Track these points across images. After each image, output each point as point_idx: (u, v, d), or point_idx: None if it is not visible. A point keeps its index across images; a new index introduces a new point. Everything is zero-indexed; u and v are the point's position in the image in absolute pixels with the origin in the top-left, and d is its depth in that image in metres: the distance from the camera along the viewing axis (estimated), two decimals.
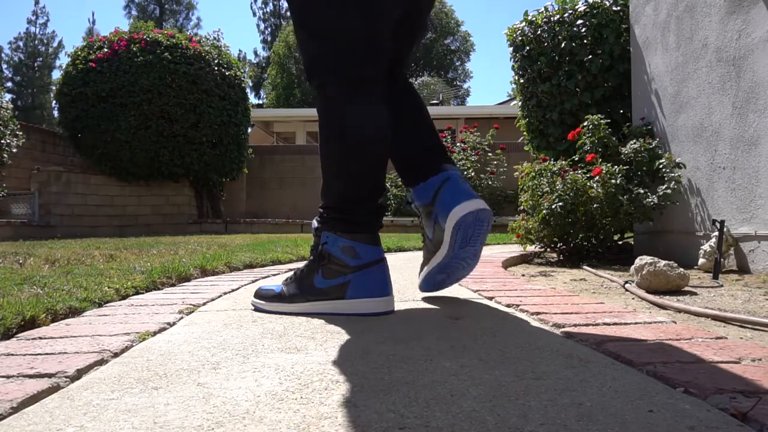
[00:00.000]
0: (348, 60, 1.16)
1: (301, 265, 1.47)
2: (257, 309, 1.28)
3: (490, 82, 60.60)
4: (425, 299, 1.44)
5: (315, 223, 1.27)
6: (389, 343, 0.92)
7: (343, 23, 1.14)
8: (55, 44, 32.59)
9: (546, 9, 3.75)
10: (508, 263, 2.75)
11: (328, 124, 1.22)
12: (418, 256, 3.38)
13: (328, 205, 1.26)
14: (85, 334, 1.01)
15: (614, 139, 3.03)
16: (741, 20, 2.27)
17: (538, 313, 1.16)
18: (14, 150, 6.76)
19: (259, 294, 1.30)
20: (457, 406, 0.60)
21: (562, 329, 1.01)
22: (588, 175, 2.80)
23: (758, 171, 2.19)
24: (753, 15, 2.20)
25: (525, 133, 4.02)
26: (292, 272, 1.30)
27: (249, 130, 9.00)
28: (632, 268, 1.79)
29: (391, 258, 3.19)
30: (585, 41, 3.46)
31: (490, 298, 1.42)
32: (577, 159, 3.07)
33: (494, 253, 3.38)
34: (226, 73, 7.84)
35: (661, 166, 2.75)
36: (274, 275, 2.19)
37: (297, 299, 1.23)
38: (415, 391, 0.66)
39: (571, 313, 1.16)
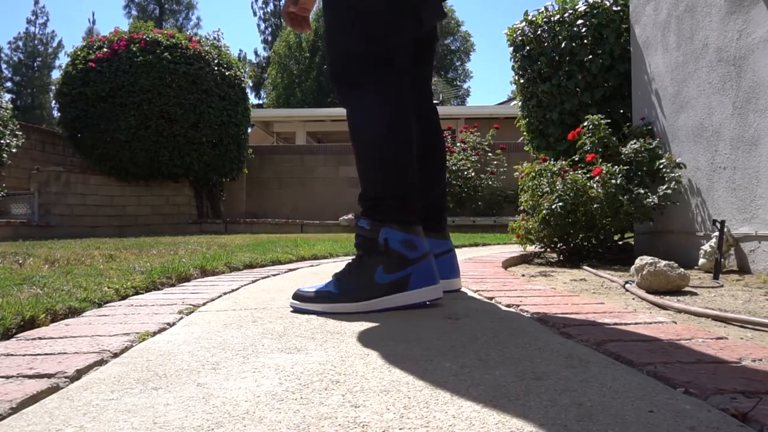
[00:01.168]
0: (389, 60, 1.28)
1: (341, 263, 1.52)
2: (304, 311, 1.23)
3: (490, 82, 60.61)
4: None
5: (363, 221, 1.27)
6: (389, 343, 0.92)
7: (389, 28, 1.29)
8: (54, 44, 32.61)
9: (546, 9, 3.75)
10: (509, 263, 2.75)
11: (385, 112, 1.27)
12: None
13: (381, 198, 1.26)
14: (84, 335, 1.01)
15: (614, 139, 3.03)
16: (741, 20, 2.27)
17: (538, 313, 1.16)
18: (14, 150, 6.76)
19: (302, 296, 1.26)
20: (457, 407, 0.59)
21: (562, 329, 1.01)
22: (588, 175, 2.80)
23: (759, 171, 2.18)
24: (753, 15, 2.20)
25: (525, 133, 4.02)
26: (337, 273, 1.28)
27: (249, 130, 9.01)
28: (632, 268, 1.79)
29: None
30: (585, 41, 3.46)
31: (491, 299, 1.42)
32: (577, 159, 3.07)
33: (494, 253, 3.38)
34: (226, 73, 7.84)
35: (661, 166, 2.75)
36: (274, 275, 2.19)
37: (359, 296, 1.21)
38: (415, 391, 0.65)
39: (572, 313, 1.16)
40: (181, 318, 1.21)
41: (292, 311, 1.25)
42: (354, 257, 1.29)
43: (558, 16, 3.63)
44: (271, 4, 33.18)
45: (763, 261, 2.16)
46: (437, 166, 1.56)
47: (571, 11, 3.59)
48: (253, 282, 1.93)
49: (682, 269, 1.72)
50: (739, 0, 2.28)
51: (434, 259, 1.30)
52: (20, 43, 32.18)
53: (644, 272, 1.70)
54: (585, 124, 3.07)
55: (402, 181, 1.28)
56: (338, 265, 2.75)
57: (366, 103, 1.29)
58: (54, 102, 8.10)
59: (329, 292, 1.23)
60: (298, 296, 1.26)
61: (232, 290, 1.69)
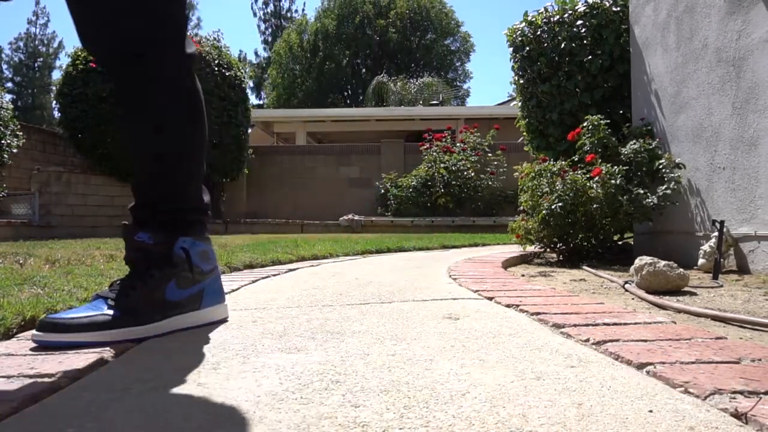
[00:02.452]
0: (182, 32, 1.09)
1: (341, 263, 1.30)
2: (66, 345, 0.89)
3: (490, 83, 60.64)
4: (425, 300, 1.44)
5: (143, 234, 1.04)
6: (389, 343, 0.92)
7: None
8: (55, 45, 32.65)
9: (546, 9, 3.75)
10: (508, 263, 2.75)
11: (195, 100, 1.13)
12: (418, 256, 3.39)
13: (182, 205, 1.12)
14: None
15: (614, 139, 3.03)
16: (741, 21, 2.27)
17: (538, 314, 1.16)
18: (14, 150, 6.76)
19: (64, 324, 0.92)
20: (457, 407, 0.60)
21: (562, 329, 1.01)
22: (588, 176, 2.80)
23: (758, 171, 2.19)
24: (753, 15, 2.21)
25: (525, 133, 4.02)
26: (108, 291, 1.01)
27: (249, 130, 9.01)
28: (632, 268, 1.79)
29: (390, 258, 3.19)
30: (585, 42, 3.46)
31: (490, 299, 1.42)
32: (576, 159, 3.07)
33: (494, 253, 3.38)
34: (227, 74, 7.84)
35: (660, 167, 2.75)
36: (274, 275, 2.19)
37: (147, 318, 0.99)
38: (415, 391, 0.66)
39: (571, 313, 1.16)
40: None
41: (35, 347, 0.90)
42: (133, 272, 1.04)
43: (558, 17, 3.63)
44: (271, 5, 33.19)
45: (763, 261, 2.16)
46: None
47: (570, 12, 3.59)
48: (253, 282, 1.94)
49: (681, 269, 1.72)
50: (738, 1, 2.28)
51: None
52: (21, 44, 32.24)
53: (644, 272, 1.70)
54: (585, 124, 3.07)
55: (199, 180, 1.17)
56: (339, 265, 2.76)
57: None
58: (55, 102, 8.11)
59: (104, 315, 0.95)
60: (56, 325, 0.91)
61: (232, 290, 1.69)
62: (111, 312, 0.96)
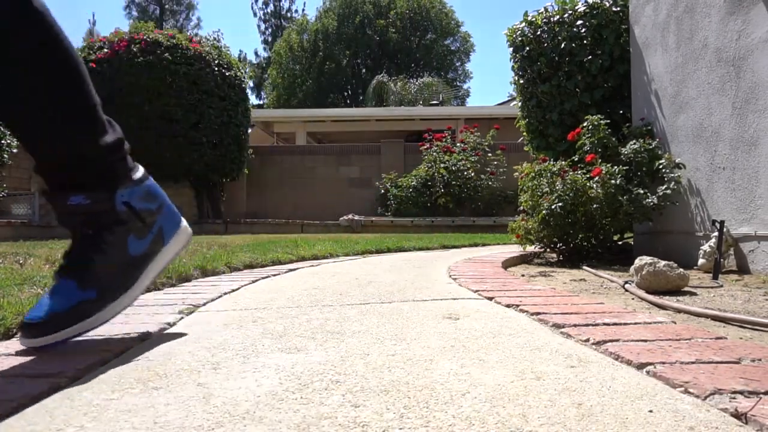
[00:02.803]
0: None
1: (342, 263, 1.17)
2: (54, 341, 0.85)
3: (490, 83, 60.63)
4: (425, 300, 1.44)
5: (76, 197, 0.91)
6: (389, 343, 0.92)
7: None
8: None
9: (546, 9, 3.76)
10: (508, 263, 2.75)
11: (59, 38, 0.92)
12: (418, 256, 3.38)
13: (100, 152, 0.95)
14: (84, 335, 1.01)
15: (614, 139, 3.03)
16: (741, 21, 2.27)
17: (538, 314, 1.16)
18: (14, 150, 6.76)
19: (45, 324, 0.84)
20: (457, 407, 0.60)
21: (562, 329, 1.01)
22: (588, 176, 2.80)
23: (758, 171, 2.19)
24: (752, 16, 2.21)
25: (525, 133, 4.02)
26: (70, 268, 0.93)
27: (249, 130, 9.02)
28: (632, 268, 1.79)
29: (390, 258, 3.19)
30: (585, 42, 3.46)
31: (490, 299, 1.42)
32: (576, 159, 3.07)
33: (494, 253, 3.38)
34: (227, 74, 7.84)
35: (660, 167, 2.75)
36: (274, 275, 2.19)
37: (125, 282, 0.95)
38: (415, 391, 0.66)
39: (571, 313, 1.16)
40: (182, 318, 1.21)
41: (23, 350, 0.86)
42: (81, 240, 0.94)
43: (558, 17, 3.63)
44: (271, 5, 33.20)
45: (762, 261, 2.16)
46: None
47: (570, 12, 3.59)
48: (254, 282, 1.94)
49: (681, 269, 1.72)
50: (738, 1, 2.28)
51: None
52: None
53: (644, 272, 1.70)
54: (585, 124, 3.07)
55: (101, 119, 1.00)
56: (339, 265, 2.76)
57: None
58: None
59: (84, 301, 0.88)
60: (36, 327, 0.84)
61: (233, 290, 1.70)
62: (87, 294, 0.89)
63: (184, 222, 1.11)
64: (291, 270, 2.44)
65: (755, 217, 2.20)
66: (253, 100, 29.68)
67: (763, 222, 2.16)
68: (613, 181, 2.72)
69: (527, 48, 3.74)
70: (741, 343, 0.90)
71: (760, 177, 2.18)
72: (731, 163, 2.34)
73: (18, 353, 0.87)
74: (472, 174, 7.94)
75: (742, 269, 2.27)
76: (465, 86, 30.95)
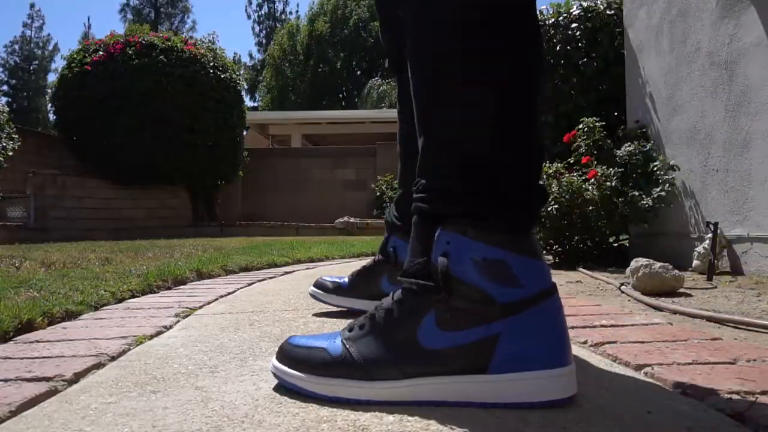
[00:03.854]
0: None
1: (337, 266, 0.88)
2: (289, 386, 0.66)
3: None
4: None
5: (395, 241, 0.69)
6: None
7: None
8: (50, 47, 32.54)
9: (540, 12, 3.78)
10: None
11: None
12: None
13: (456, 176, 0.64)
14: (82, 338, 1.01)
15: (609, 141, 3.04)
16: (732, 25, 2.29)
17: None
18: (10, 153, 6.73)
19: (289, 350, 0.68)
20: (457, 410, 0.60)
21: None
22: (583, 178, 2.81)
23: (750, 173, 2.20)
24: (744, 20, 2.23)
25: None
26: (362, 318, 0.68)
27: (245, 132, 9.01)
28: (628, 270, 1.80)
29: None
30: (579, 45, 3.48)
31: None
32: (572, 161, 3.08)
33: None
34: (222, 76, 7.83)
35: (655, 169, 2.77)
36: (270, 278, 2.19)
37: (383, 372, 0.62)
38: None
39: (568, 315, 1.16)
40: (178, 321, 1.21)
41: (273, 375, 0.70)
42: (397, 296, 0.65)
43: (552, 20, 3.65)
44: (266, 7, 33.19)
45: (755, 262, 2.18)
46: None
47: (565, 15, 3.61)
48: (250, 285, 1.93)
49: (676, 271, 1.73)
50: (729, 5, 2.30)
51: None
52: (16, 47, 32.10)
53: (639, 274, 1.71)
54: (580, 126, 3.09)
55: (509, 142, 0.64)
56: (335, 268, 2.75)
57: None
58: (50, 105, 8.10)
59: (325, 352, 0.66)
60: (281, 351, 0.70)
61: (229, 293, 1.69)
62: (333, 348, 0.66)
63: (566, 371, 0.61)
64: (287, 273, 2.44)
65: (748, 219, 2.22)
66: (248, 102, 29.62)
67: (755, 223, 2.18)
68: (608, 183, 2.73)
69: None
70: (736, 343, 0.90)
71: (752, 179, 2.19)
72: (724, 165, 2.36)
73: (15, 356, 0.87)
74: None
75: (736, 270, 2.29)
76: None
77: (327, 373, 0.63)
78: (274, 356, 0.70)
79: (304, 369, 0.65)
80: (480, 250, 0.60)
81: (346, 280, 1.30)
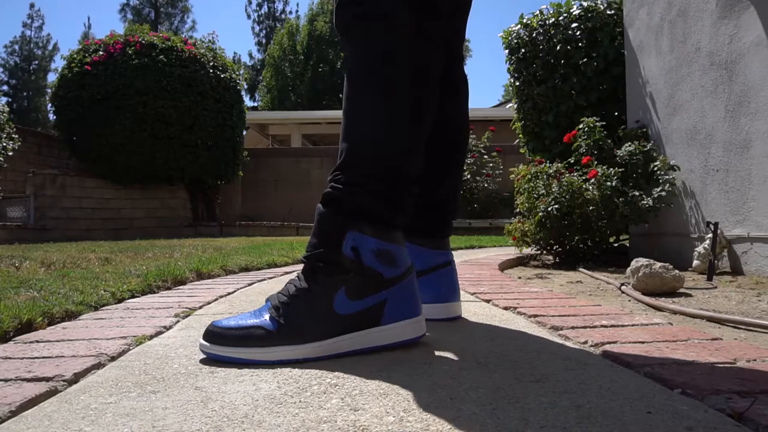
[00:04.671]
0: None
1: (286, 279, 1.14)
2: (222, 359, 0.82)
3: (486, 85, 60.86)
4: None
5: (325, 214, 0.88)
6: None
7: None
8: (50, 47, 32.54)
9: (541, 12, 3.78)
10: (505, 266, 2.75)
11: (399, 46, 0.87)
12: None
13: (361, 179, 0.87)
14: (81, 338, 1.01)
15: (609, 141, 3.05)
16: (732, 25, 2.29)
17: (535, 316, 1.16)
18: (10, 153, 6.73)
19: (221, 334, 0.83)
20: (457, 410, 0.60)
21: (560, 332, 1.01)
22: (584, 178, 2.81)
23: (750, 173, 2.20)
24: (744, 20, 2.22)
25: (521, 135, 4.04)
26: (279, 295, 0.88)
27: (244, 132, 9.00)
28: (628, 270, 1.80)
29: None
30: (580, 44, 3.48)
31: (488, 301, 1.43)
32: (572, 161, 3.09)
33: (490, 255, 3.39)
34: (221, 76, 7.83)
35: (655, 169, 2.77)
36: (270, 278, 2.19)
37: (310, 335, 0.82)
38: (415, 394, 0.66)
39: (569, 315, 1.17)
40: (178, 321, 1.21)
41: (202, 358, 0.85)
42: (302, 272, 0.88)
43: (553, 20, 3.65)
44: (266, 6, 33.17)
45: (755, 262, 2.18)
46: (455, 152, 1.14)
47: (565, 14, 3.61)
48: (249, 285, 1.93)
49: (676, 271, 1.73)
50: (729, 5, 2.30)
51: (422, 277, 1.06)
52: (16, 47, 32.10)
53: (640, 274, 1.71)
54: (580, 126, 3.09)
55: (404, 157, 0.89)
56: None
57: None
58: (50, 105, 8.09)
59: (262, 329, 0.82)
60: (214, 335, 0.83)
61: (228, 293, 1.69)
62: (269, 324, 0.83)
63: (420, 320, 0.90)
64: (287, 273, 2.44)
65: (748, 219, 2.22)
66: (247, 102, 29.62)
67: (756, 223, 2.18)
68: (608, 183, 2.73)
69: (523, 50, 3.76)
70: (736, 344, 0.90)
71: (752, 179, 2.19)
72: (724, 165, 2.36)
73: (15, 356, 0.87)
74: (468, 176, 7.95)
75: (736, 270, 2.28)
76: None
77: (268, 343, 0.81)
78: (203, 340, 0.84)
79: (247, 344, 0.81)
80: (376, 244, 0.85)
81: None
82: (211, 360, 0.84)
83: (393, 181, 0.88)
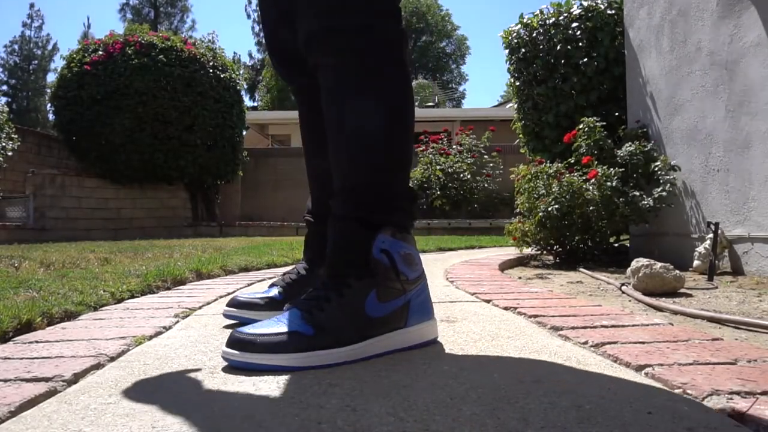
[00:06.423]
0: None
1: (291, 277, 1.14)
2: (259, 368, 0.77)
3: (486, 85, 60.87)
4: None
5: (350, 222, 0.89)
6: None
7: None
8: (50, 47, 32.53)
9: (541, 12, 3.77)
10: (505, 266, 2.75)
11: (404, 73, 0.97)
12: None
13: (391, 193, 0.93)
14: (81, 338, 1.01)
15: (610, 141, 3.04)
16: (733, 25, 2.29)
17: (536, 316, 1.16)
18: (9, 153, 6.72)
19: (251, 341, 0.79)
20: (457, 410, 0.60)
21: (561, 332, 1.01)
22: (584, 178, 2.81)
23: (751, 173, 2.20)
24: (744, 20, 2.22)
25: (521, 135, 4.03)
26: (306, 299, 0.87)
27: (244, 132, 9.00)
28: (628, 270, 1.80)
29: None
30: (580, 44, 3.48)
31: (488, 301, 1.42)
32: (573, 161, 3.08)
33: (490, 255, 3.39)
34: (221, 76, 7.83)
35: (656, 169, 2.76)
36: (270, 278, 2.18)
37: (346, 338, 0.82)
38: (415, 394, 0.65)
39: (569, 315, 1.17)
40: (178, 321, 1.21)
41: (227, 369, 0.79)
42: (328, 278, 0.89)
43: (553, 19, 3.65)
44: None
45: (756, 262, 2.18)
46: None
47: (565, 14, 3.61)
48: (249, 285, 1.93)
49: (677, 271, 1.73)
50: (730, 5, 2.30)
51: None
52: (16, 47, 32.09)
53: (640, 274, 1.71)
54: (580, 126, 3.08)
55: (409, 167, 1.00)
56: None
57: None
58: (49, 105, 8.09)
59: (299, 334, 0.80)
60: (243, 342, 0.79)
61: (228, 293, 1.69)
62: (306, 329, 0.81)
63: (435, 320, 0.96)
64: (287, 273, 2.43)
65: (749, 219, 2.22)
66: (247, 101, 29.60)
67: (756, 224, 2.18)
68: (609, 184, 2.73)
69: (523, 50, 3.76)
70: (737, 344, 0.90)
71: (753, 179, 2.19)
72: (725, 165, 2.36)
73: (15, 357, 0.87)
74: (468, 176, 7.95)
75: (737, 270, 2.28)
76: (460, 88, 31.05)
77: (307, 348, 0.79)
78: (230, 349, 0.80)
79: (285, 350, 0.79)
80: (401, 247, 0.90)
81: (276, 293, 1.15)
82: (210, 360, 0.84)
83: (408, 191, 0.96)
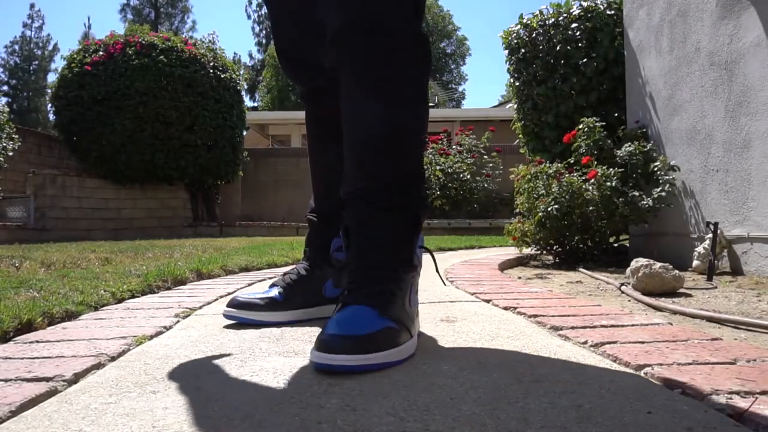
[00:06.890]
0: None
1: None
2: (375, 366, 0.76)
3: (486, 85, 60.88)
4: (422, 302, 1.44)
5: (394, 220, 0.91)
6: None
7: None
8: (50, 47, 32.55)
9: (541, 12, 3.78)
10: (505, 266, 2.75)
11: (423, 78, 1.00)
12: None
13: (418, 192, 0.97)
14: (81, 338, 1.01)
15: (609, 141, 3.04)
16: (732, 25, 2.29)
17: (535, 316, 1.16)
18: (10, 153, 6.73)
19: (367, 342, 0.76)
20: (457, 410, 0.60)
21: (560, 332, 1.01)
22: (584, 178, 2.81)
23: (750, 173, 2.20)
24: (744, 20, 2.23)
25: (521, 135, 4.04)
26: (369, 294, 0.85)
27: (244, 132, 9.00)
28: (628, 270, 1.80)
29: None
30: (580, 44, 3.48)
31: (488, 301, 1.43)
32: (572, 161, 3.08)
33: (490, 255, 3.39)
34: (222, 76, 7.83)
35: (655, 169, 2.77)
36: (270, 278, 2.19)
37: (412, 330, 0.87)
38: (414, 394, 0.66)
39: (569, 315, 1.17)
40: (178, 321, 1.21)
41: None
42: (385, 271, 0.88)
43: (553, 20, 3.65)
44: (265, 7, 33.17)
45: (755, 262, 2.18)
46: None
47: (565, 15, 3.61)
48: (250, 285, 1.93)
49: (676, 271, 1.73)
50: (729, 5, 2.30)
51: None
52: (16, 47, 32.10)
53: (640, 274, 1.71)
54: (580, 126, 3.09)
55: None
56: None
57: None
58: (50, 105, 8.09)
59: (394, 330, 0.81)
60: (362, 341, 0.76)
61: (229, 293, 1.69)
62: (394, 325, 0.81)
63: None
64: (287, 273, 2.43)
65: (748, 219, 2.22)
66: (247, 102, 29.60)
67: (755, 224, 2.18)
68: (608, 184, 2.73)
69: (523, 50, 3.76)
70: (736, 344, 0.90)
71: (752, 179, 2.19)
72: (724, 166, 2.36)
73: (15, 356, 0.87)
74: (468, 176, 7.95)
75: (736, 270, 2.28)
76: (460, 89, 31.05)
77: (398, 343, 0.81)
78: (320, 352, 0.74)
79: (384, 347, 0.78)
80: (422, 242, 0.97)
81: (276, 293, 1.14)
82: (211, 360, 0.85)
83: (423, 191, 1.00)
